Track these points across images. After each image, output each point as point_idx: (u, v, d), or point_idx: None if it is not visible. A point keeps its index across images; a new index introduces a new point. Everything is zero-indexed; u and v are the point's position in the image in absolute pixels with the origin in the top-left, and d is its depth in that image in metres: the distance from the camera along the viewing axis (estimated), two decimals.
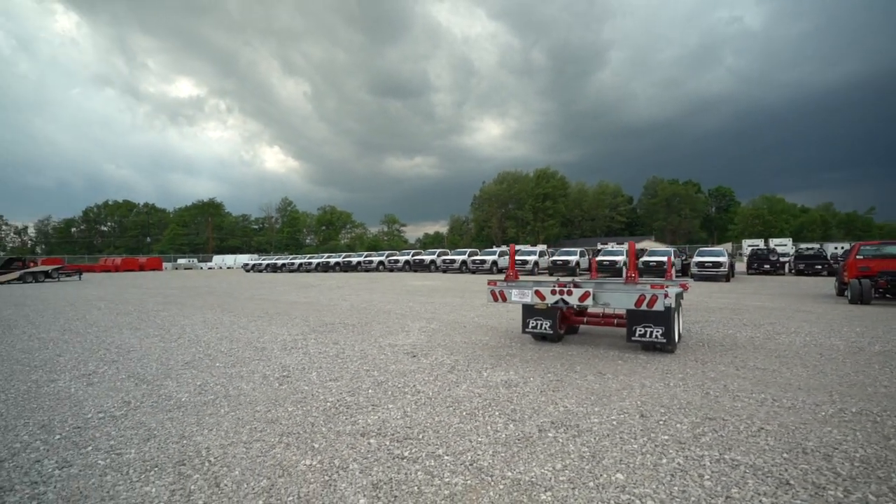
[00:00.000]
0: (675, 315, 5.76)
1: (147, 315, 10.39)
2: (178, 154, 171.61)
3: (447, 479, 2.68)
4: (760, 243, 44.97)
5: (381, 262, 36.24)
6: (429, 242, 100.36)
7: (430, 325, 8.24)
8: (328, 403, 4.06)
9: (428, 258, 33.10)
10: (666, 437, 3.21)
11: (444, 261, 31.76)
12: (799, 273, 24.05)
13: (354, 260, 38.19)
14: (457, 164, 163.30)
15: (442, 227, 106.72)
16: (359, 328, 8.10)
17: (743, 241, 47.84)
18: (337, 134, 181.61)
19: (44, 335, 7.94)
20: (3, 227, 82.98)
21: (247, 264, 45.88)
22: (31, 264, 29.24)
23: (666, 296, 5.03)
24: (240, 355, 6.06)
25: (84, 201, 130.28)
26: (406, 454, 3.03)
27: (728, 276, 19.63)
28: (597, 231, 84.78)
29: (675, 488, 2.53)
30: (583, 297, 5.33)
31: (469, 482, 2.65)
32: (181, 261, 61.59)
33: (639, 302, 5.11)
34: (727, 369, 4.95)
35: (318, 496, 2.53)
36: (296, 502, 2.48)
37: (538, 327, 6.30)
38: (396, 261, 34.86)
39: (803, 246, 35.71)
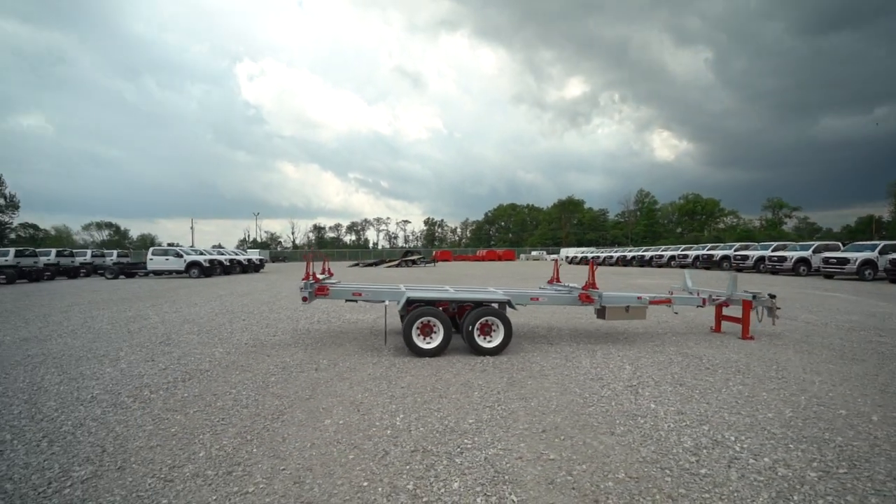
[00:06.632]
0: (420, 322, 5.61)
1: None
2: (573, 154, 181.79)
3: None
4: None
5: (672, 258, 32.08)
6: (858, 230, 73.18)
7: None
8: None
9: (719, 254, 26.73)
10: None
11: (736, 257, 24.98)
12: None
13: (648, 255, 35.29)
14: None
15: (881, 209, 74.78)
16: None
17: None
18: (745, 101, 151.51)
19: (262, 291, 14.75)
20: (445, 227, 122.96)
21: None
22: (413, 255, 44.67)
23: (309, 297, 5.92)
24: (220, 320, 10.13)
25: (503, 202, 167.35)
26: None
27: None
28: None
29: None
30: (317, 291, 6.19)
31: None
32: (533, 252, 73.11)
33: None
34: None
35: None
36: None
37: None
38: (685, 256, 29.99)
39: None
